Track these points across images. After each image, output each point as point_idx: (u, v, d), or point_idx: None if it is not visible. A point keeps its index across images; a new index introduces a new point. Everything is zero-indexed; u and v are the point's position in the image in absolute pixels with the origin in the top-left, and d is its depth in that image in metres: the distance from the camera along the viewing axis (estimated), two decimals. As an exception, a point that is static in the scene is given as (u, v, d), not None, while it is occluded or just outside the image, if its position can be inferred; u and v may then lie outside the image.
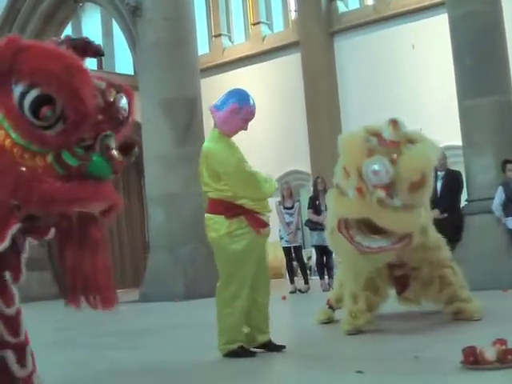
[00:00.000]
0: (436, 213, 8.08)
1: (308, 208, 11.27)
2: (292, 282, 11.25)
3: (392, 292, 6.08)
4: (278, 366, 4.76)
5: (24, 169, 2.09)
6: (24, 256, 2.42)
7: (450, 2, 9.96)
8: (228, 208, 4.79)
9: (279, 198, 11.22)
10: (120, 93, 2.26)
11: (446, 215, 9.02)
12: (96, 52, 2.34)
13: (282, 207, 11.21)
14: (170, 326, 7.52)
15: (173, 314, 9.05)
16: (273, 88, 16.69)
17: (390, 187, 5.05)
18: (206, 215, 4.93)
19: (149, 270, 11.76)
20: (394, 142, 5.23)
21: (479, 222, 9.33)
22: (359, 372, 3.97)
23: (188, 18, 12.19)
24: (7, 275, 2.38)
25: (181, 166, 11.20)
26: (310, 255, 13.95)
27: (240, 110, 4.82)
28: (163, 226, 11.56)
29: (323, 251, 10.78)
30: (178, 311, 9.44)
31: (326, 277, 10.88)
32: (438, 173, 9.52)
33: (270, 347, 4.93)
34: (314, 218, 10.90)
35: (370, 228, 5.17)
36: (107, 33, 18.37)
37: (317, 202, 11.03)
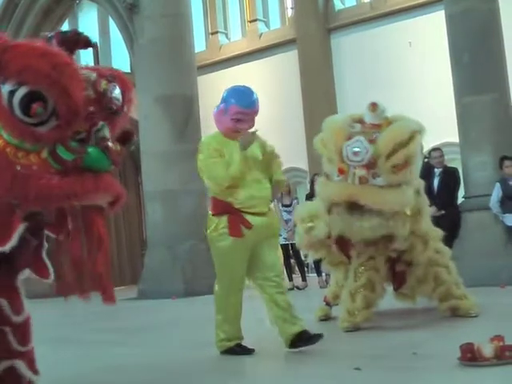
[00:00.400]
0: (433, 210, 8.09)
1: (305, 205, 11.25)
2: (290, 279, 11.26)
3: (388, 288, 6.09)
4: (276, 363, 4.76)
5: (19, 167, 2.08)
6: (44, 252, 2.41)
7: (447, -2, 9.96)
8: (216, 205, 4.81)
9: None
10: (112, 82, 2.24)
11: (443, 212, 9.04)
12: (86, 43, 2.33)
13: (280, 205, 11.21)
14: (168, 323, 7.52)
15: (171, 312, 9.05)
16: (270, 85, 16.66)
17: (372, 167, 5.09)
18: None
19: (146, 267, 11.75)
20: (375, 124, 5.29)
21: (476, 218, 9.33)
22: (357, 369, 3.98)
23: (185, 16, 12.18)
24: (24, 276, 2.37)
25: (178, 162, 11.19)
26: (307, 252, 13.93)
27: (226, 110, 4.78)
28: (161, 223, 11.55)
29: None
30: (175, 308, 9.44)
31: (324, 274, 10.89)
32: (435, 170, 9.54)
33: (304, 338, 4.72)
34: (311, 215, 10.88)
35: (357, 210, 5.23)
36: (104, 30, 18.33)
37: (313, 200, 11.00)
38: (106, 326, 7.41)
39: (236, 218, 4.71)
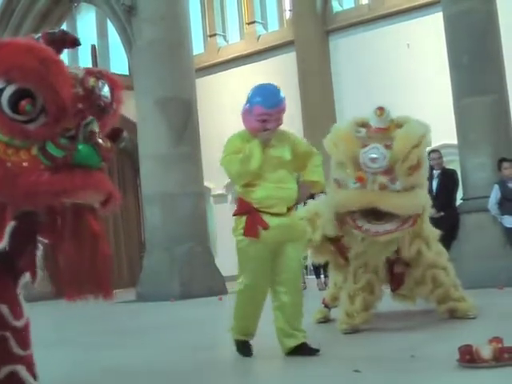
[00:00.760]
0: (432, 211, 8.08)
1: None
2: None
3: (386, 290, 6.09)
4: (274, 365, 4.75)
5: (10, 164, 2.07)
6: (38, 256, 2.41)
7: (445, 0, 9.97)
8: (239, 205, 4.77)
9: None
10: (100, 80, 2.23)
11: (442, 214, 9.04)
12: (73, 42, 2.33)
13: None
14: (166, 326, 7.51)
15: (169, 314, 9.04)
16: (268, 87, 16.65)
17: (390, 173, 5.10)
18: None
19: (145, 269, 11.75)
20: (381, 128, 5.28)
21: (475, 220, 9.34)
22: (356, 371, 3.97)
23: (183, 18, 12.19)
24: (24, 279, 2.36)
25: (177, 165, 11.17)
26: (306, 254, 13.91)
27: (251, 110, 4.64)
28: (159, 226, 11.54)
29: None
30: (174, 311, 9.44)
31: (322, 276, 10.88)
32: (434, 171, 9.55)
33: (304, 351, 4.67)
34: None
35: (372, 216, 5.23)
36: (102, 33, 18.32)
37: (312, 201, 10.99)
38: (104, 329, 7.40)
39: (253, 219, 4.61)
